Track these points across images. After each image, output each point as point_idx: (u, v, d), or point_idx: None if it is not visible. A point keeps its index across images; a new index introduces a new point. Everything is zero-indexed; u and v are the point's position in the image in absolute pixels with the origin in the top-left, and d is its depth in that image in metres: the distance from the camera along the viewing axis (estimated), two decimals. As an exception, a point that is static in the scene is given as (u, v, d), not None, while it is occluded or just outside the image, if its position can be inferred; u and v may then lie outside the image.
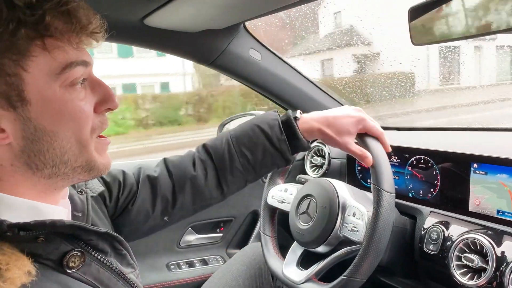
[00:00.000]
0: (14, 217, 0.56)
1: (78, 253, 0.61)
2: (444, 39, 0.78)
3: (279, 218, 1.26)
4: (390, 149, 1.00)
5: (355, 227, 0.98)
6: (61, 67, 0.58)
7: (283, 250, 1.19)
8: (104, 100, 0.66)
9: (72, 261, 0.60)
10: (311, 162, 1.59)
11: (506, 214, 0.96)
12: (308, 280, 1.02)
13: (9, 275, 0.50)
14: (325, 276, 1.03)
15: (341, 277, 0.93)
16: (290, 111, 1.01)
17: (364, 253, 0.90)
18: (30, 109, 0.57)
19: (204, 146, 1.03)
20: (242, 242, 1.72)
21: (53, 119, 0.59)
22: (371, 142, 0.97)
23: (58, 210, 0.66)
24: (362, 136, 0.98)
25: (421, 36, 0.81)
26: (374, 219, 0.90)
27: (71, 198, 0.74)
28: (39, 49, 0.56)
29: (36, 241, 0.56)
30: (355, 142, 0.98)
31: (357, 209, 1.00)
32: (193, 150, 1.05)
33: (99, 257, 0.65)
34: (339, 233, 1.01)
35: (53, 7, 0.56)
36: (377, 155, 0.94)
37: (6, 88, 0.55)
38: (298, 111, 1.02)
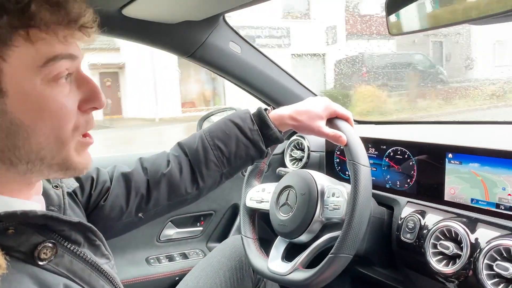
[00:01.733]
0: None
1: (50, 245, 0.59)
2: (420, 29, 0.79)
3: (260, 216, 1.27)
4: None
5: (336, 205, 1.00)
6: (44, 60, 0.55)
7: (264, 243, 1.19)
8: (90, 98, 0.63)
9: (44, 253, 0.58)
10: (290, 156, 1.60)
11: (479, 202, 0.98)
12: (295, 270, 1.02)
13: None
14: (310, 266, 1.03)
15: (328, 255, 0.93)
16: (261, 107, 1.05)
17: (347, 227, 0.91)
18: (6, 102, 0.54)
19: (178, 144, 1.05)
20: (223, 236, 1.71)
21: (31, 114, 0.56)
22: (341, 123, 1.02)
23: (30, 204, 0.64)
24: (332, 120, 1.03)
25: (397, 27, 0.82)
26: (354, 191, 0.92)
27: (46, 193, 0.72)
28: (21, 39, 0.54)
29: (6, 233, 0.55)
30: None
31: (336, 189, 1.03)
32: (167, 150, 1.06)
33: (72, 248, 0.63)
34: (320, 216, 1.02)
35: None
36: (349, 134, 0.99)
37: None
38: (271, 106, 1.08)
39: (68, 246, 0.63)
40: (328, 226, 1.02)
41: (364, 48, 9.58)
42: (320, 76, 11.08)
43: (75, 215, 0.81)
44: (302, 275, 0.99)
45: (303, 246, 1.06)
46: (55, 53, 0.56)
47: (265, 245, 1.19)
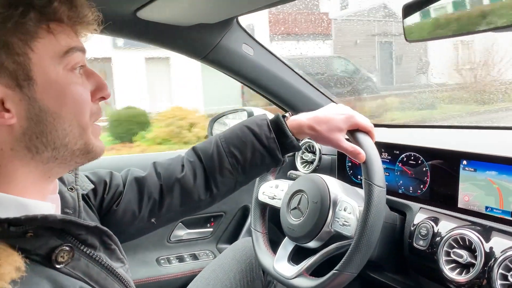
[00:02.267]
0: (2, 213, 0.55)
1: (67, 248, 0.60)
2: (437, 36, 0.78)
3: (270, 215, 1.27)
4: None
5: (346, 221, 0.99)
6: (64, 51, 0.61)
7: (274, 246, 1.20)
8: (98, 88, 0.68)
9: (61, 256, 0.59)
10: (301, 158, 1.59)
11: (494, 210, 0.97)
12: (299, 275, 1.03)
13: (1, 270, 0.50)
14: (316, 271, 1.03)
15: (333, 271, 0.93)
16: (279, 113, 1.02)
17: (355, 247, 0.91)
18: (36, 89, 0.59)
19: (193, 148, 1.04)
20: (233, 237, 1.72)
21: (56, 101, 0.61)
22: (362, 137, 0.98)
23: (46, 206, 0.65)
24: (353, 132, 0.99)
25: (414, 33, 0.81)
26: (366, 213, 0.91)
27: (61, 195, 0.74)
28: (45, 31, 0.59)
29: (25, 236, 0.56)
30: (346, 139, 0.99)
31: (348, 204, 1.00)
32: (182, 154, 1.04)
33: (88, 252, 0.64)
34: (330, 228, 1.02)
35: None
36: (368, 150, 0.95)
37: (14, 67, 0.57)
38: (288, 112, 1.04)
39: (85, 250, 0.64)
40: (336, 236, 1.02)
41: (293, 49, 8.03)
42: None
43: (89, 218, 0.82)
44: (306, 283, 1.00)
45: (311, 250, 1.06)
46: (73, 45, 0.62)
47: (273, 246, 1.19)
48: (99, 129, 0.70)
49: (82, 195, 0.82)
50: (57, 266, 0.59)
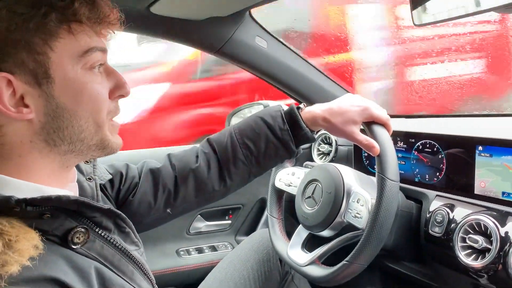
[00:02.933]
0: (23, 195, 0.58)
1: (83, 230, 0.62)
2: (444, 19, 0.78)
3: (286, 206, 1.28)
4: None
5: (358, 213, 0.99)
6: (84, 51, 0.63)
7: (289, 235, 1.21)
8: (118, 86, 0.70)
9: (77, 237, 0.62)
10: (318, 150, 1.59)
11: (511, 195, 0.96)
12: (311, 263, 1.04)
13: (19, 246, 0.52)
14: (329, 259, 1.04)
15: (343, 261, 0.94)
16: (293, 104, 1.02)
17: (365, 240, 0.91)
18: (54, 87, 0.62)
19: (208, 140, 1.05)
20: (250, 229, 1.74)
21: (73, 98, 0.63)
22: (377, 130, 0.96)
23: (64, 192, 0.68)
24: (369, 124, 0.98)
25: (422, 17, 0.81)
26: (377, 207, 0.91)
27: (80, 185, 0.76)
28: (65, 32, 0.61)
29: (42, 217, 0.59)
30: (361, 129, 0.99)
31: (361, 196, 1.00)
32: (197, 145, 1.06)
33: (103, 234, 0.66)
34: (343, 218, 1.02)
35: None
36: (383, 143, 0.94)
37: (34, 65, 0.60)
38: (302, 103, 1.03)
39: (99, 232, 0.66)
40: (349, 227, 1.02)
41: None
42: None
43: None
44: (317, 271, 1.01)
45: (324, 239, 1.07)
46: (92, 45, 0.64)
47: (288, 235, 1.20)
48: (116, 126, 0.72)
49: (100, 185, 0.85)
50: (73, 246, 0.61)
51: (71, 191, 0.72)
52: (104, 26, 0.66)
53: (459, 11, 0.75)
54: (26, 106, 0.61)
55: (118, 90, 0.70)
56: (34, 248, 0.53)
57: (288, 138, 0.98)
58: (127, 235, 0.74)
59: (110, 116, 0.70)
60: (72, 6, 0.61)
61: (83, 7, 0.62)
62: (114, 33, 0.70)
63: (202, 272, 1.53)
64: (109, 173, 0.93)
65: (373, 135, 0.96)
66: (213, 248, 1.66)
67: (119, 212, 0.71)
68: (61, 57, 0.61)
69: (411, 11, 0.82)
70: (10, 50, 0.59)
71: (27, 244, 0.53)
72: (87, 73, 0.64)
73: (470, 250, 0.94)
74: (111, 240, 0.67)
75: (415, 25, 0.82)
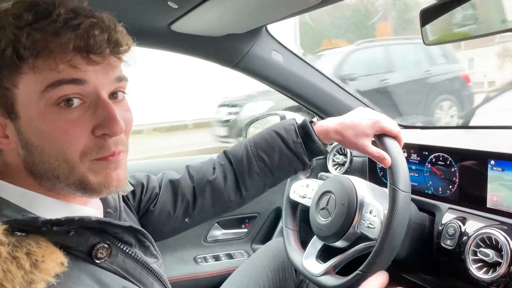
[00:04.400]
0: (50, 215, 0.60)
1: (106, 245, 0.65)
2: (455, 39, 0.80)
3: (301, 215, 1.31)
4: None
5: (371, 224, 1.01)
6: (44, 86, 0.58)
7: (304, 245, 1.23)
8: (101, 124, 0.62)
9: (100, 253, 0.64)
10: (333, 160, 1.61)
11: (523, 210, 0.97)
12: (326, 273, 1.06)
13: (45, 266, 0.55)
14: (343, 269, 1.06)
15: (357, 271, 0.96)
16: (306, 118, 1.05)
17: (378, 250, 0.93)
18: (20, 123, 0.60)
19: (224, 152, 1.09)
20: (266, 238, 1.76)
21: (38, 136, 0.60)
22: (388, 142, 0.99)
23: (90, 211, 0.71)
24: (380, 137, 1.01)
25: (432, 37, 0.83)
26: (389, 217, 0.93)
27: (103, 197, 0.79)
28: (27, 66, 0.57)
29: (68, 234, 0.61)
30: (372, 142, 1.01)
31: (374, 207, 1.02)
32: (214, 157, 1.10)
33: (124, 249, 0.69)
34: (356, 229, 1.04)
35: (47, 26, 0.57)
36: (394, 155, 0.97)
37: (4, 100, 0.60)
38: (316, 117, 1.07)
39: (122, 246, 0.69)
40: (363, 237, 1.04)
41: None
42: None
43: (129, 218, 0.89)
44: (331, 281, 1.03)
45: (338, 249, 1.09)
46: (56, 79, 0.58)
47: (303, 245, 1.23)
48: (102, 165, 0.64)
49: (122, 196, 0.89)
50: (97, 261, 0.64)
51: (95, 206, 0.75)
52: (81, 55, 0.59)
53: (472, 32, 0.77)
54: (7, 136, 0.62)
55: (101, 128, 0.62)
56: (60, 265, 0.56)
57: (301, 151, 1.02)
58: (147, 249, 0.77)
59: (87, 157, 0.62)
60: (34, 39, 0.56)
61: (48, 39, 0.57)
62: (103, 59, 0.61)
63: (219, 279, 1.56)
64: (131, 184, 0.97)
65: (384, 147, 0.99)
66: (230, 256, 1.69)
67: (140, 228, 0.75)
68: (25, 93, 0.59)
69: (421, 31, 0.85)
70: None
71: (53, 263, 0.55)
72: (52, 109, 0.59)
73: (481, 264, 0.95)
74: (133, 254, 0.71)
75: (425, 43, 0.85)
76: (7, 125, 0.62)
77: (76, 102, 0.60)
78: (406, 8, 11.67)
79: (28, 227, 0.57)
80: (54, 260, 0.56)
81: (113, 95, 0.66)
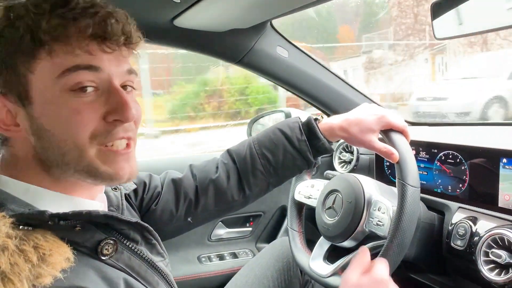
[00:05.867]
0: (55, 209, 0.60)
1: (111, 242, 0.65)
2: (467, 33, 0.77)
3: (307, 214, 1.28)
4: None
5: (380, 221, 0.98)
6: (60, 71, 0.59)
7: (310, 244, 1.21)
8: (114, 110, 0.63)
9: (106, 249, 0.64)
10: (339, 158, 1.59)
11: (536, 209, 0.94)
12: (334, 274, 1.04)
13: (52, 260, 0.55)
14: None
15: None
16: (311, 115, 1.03)
17: (388, 248, 0.90)
18: (34, 108, 0.61)
19: (228, 151, 1.07)
20: (271, 237, 1.74)
21: (51, 120, 0.61)
22: (395, 137, 0.97)
23: (95, 204, 0.71)
24: (386, 132, 0.98)
25: (443, 30, 0.80)
26: (399, 213, 0.90)
27: (106, 194, 0.79)
28: (44, 52, 0.59)
29: (74, 229, 0.61)
30: (379, 138, 0.99)
31: (382, 204, 1.00)
32: (218, 156, 1.08)
33: (130, 246, 0.69)
34: (364, 227, 1.02)
35: (65, 12, 0.59)
36: (402, 150, 0.94)
37: (18, 87, 0.61)
38: (320, 115, 1.04)
39: (127, 243, 0.69)
40: (371, 236, 1.02)
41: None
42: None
43: (131, 216, 0.87)
44: (340, 282, 1.00)
45: (346, 249, 1.06)
46: (73, 64, 0.60)
47: (310, 245, 1.20)
48: (108, 153, 0.65)
49: (125, 194, 0.87)
50: (103, 258, 0.64)
51: (100, 201, 0.74)
52: (96, 42, 0.61)
53: (485, 26, 0.74)
54: (17, 124, 0.63)
55: (113, 113, 0.63)
56: (66, 261, 0.56)
57: (306, 149, 1.00)
58: (153, 247, 0.76)
59: (96, 139, 0.63)
60: (51, 24, 0.58)
61: (66, 24, 0.59)
62: (114, 50, 0.63)
63: (223, 279, 1.55)
64: (133, 182, 0.96)
65: (391, 143, 0.96)
66: (234, 255, 1.67)
67: (146, 225, 0.74)
68: (40, 79, 0.60)
69: (432, 24, 0.82)
70: (1, 71, 0.60)
71: (60, 258, 0.56)
72: (67, 94, 0.60)
73: (493, 265, 0.92)
74: (138, 252, 0.70)
75: (436, 38, 0.82)
76: (18, 113, 0.62)
77: (90, 89, 0.62)
78: (371, 11, 11.56)
79: (34, 221, 0.58)
80: (61, 255, 0.56)
81: (123, 87, 0.67)
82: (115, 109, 0.64)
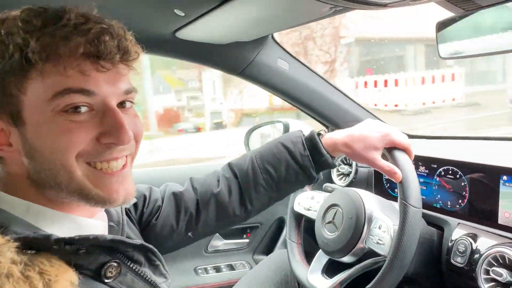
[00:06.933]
0: (57, 230, 0.60)
1: (115, 264, 0.64)
2: (471, 54, 0.78)
3: (306, 225, 1.28)
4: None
5: (380, 240, 0.98)
6: (52, 94, 0.57)
7: (308, 256, 1.21)
8: (108, 132, 0.61)
9: (109, 271, 0.63)
10: (338, 171, 1.59)
11: (536, 228, 0.94)
12: None
13: (57, 286, 0.53)
14: (350, 286, 1.04)
15: None
16: (314, 130, 1.02)
17: (388, 267, 0.90)
18: (26, 129, 0.59)
19: (229, 164, 1.05)
20: (268, 249, 1.74)
21: (41, 141, 0.59)
22: (398, 156, 0.96)
23: (96, 224, 0.69)
24: (390, 150, 0.97)
25: (448, 50, 0.81)
26: (400, 234, 0.90)
27: (106, 209, 0.77)
28: (35, 72, 0.57)
29: (78, 253, 0.60)
30: (383, 155, 0.98)
31: (383, 222, 1.00)
32: (218, 170, 1.07)
33: (134, 268, 0.68)
34: (364, 244, 1.02)
35: (56, 30, 0.57)
36: (405, 169, 0.93)
37: (10, 106, 0.59)
38: (323, 130, 1.03)
39: (131, 265, 0.67)
40: (371, 252, 1.01)
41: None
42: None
43: (132, 231, 0.86)
44: None
45: (345, 264, 1.06)
46: (65, 87, 0.57)
47: (308, 256, 1.20)
48: (100, 176, 0.63)
49: (126, 208, 0.86)
50: (106, 280, 0.62)
51: (101, 219, 0.73)
52: (89, 62, 0.58)
53: (486, 49, 0.75)
54: (10, 144, 0.61)
55: (107, 136, 0.61)
56: (71, 285, 0.55)
57: (309, 164, 0.99)
58: (157, 268, 0.75)
59: (82, 157, 0.61)
60: (44, 44, 0.55)
61: (59, 44, 0.56)
62: (108, 69, 0.60)
63: (220, 292, 1.54)
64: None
65: (394, 161, 0.96)
66: (231, 267, 1.66)
67: (151, 246, 0.73)
68: (32, 100, 0.58)
69: (437, 44, 0.82)
70: None
71: (66, 283, 0.54)
72: (58, 115, 0.58)
73: (493, 283, 0.92)
74: (142, 274, 0.69)
75: (441, 57, 0.82)
76: (11, 132, 0.60)
77: (83, 109, 0.60)
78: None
79: (39, 246, 0.56)
80: (67, 280, 0.55)
81: (121, 104, 0.65)
82: (109, 132, 0.61)
